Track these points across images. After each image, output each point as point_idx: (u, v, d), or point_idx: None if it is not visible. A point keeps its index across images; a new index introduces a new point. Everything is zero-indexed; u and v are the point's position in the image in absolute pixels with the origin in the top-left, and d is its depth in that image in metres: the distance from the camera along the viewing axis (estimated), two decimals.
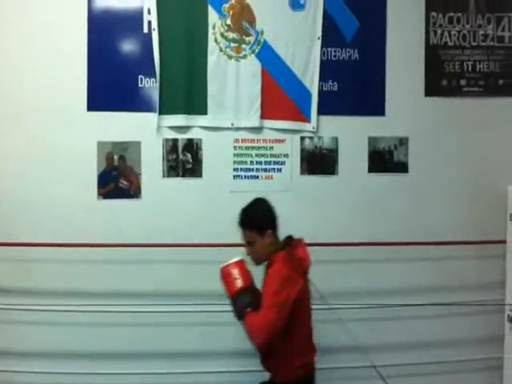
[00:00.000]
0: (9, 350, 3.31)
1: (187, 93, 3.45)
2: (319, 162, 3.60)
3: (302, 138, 3.57)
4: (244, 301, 2.37)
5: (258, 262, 2.51)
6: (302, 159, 3.58)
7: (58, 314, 3.22)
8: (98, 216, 3.34)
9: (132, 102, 3.41)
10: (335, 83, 3.60)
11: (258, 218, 2.53)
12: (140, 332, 3.37)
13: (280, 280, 2.38)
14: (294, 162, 3.57)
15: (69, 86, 3.36)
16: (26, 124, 3.33)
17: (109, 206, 3.37)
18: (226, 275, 2.41)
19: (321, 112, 3.55)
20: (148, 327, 3.35)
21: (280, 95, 3.54)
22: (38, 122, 3.34)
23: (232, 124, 3.51)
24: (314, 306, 3.15)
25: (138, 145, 3.41)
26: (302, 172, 3.58)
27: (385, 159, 3.65)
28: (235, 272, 2.40)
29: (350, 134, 3.59)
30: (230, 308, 2.47)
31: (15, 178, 3.32)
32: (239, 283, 2.38)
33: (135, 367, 3.35)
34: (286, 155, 3.58)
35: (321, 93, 3.55)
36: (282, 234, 3.33)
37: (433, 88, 3.68)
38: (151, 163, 3.43)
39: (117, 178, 3.40)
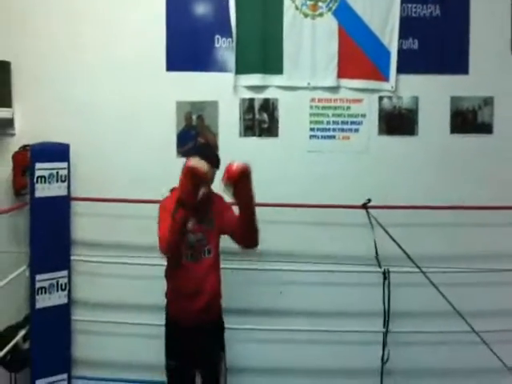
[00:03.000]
0: (95, 301, 3.45)
1: (263, 52, 3.43)
2: (398, 122, 3.48)
3: (381, 98, 3.46)
4: None
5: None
6: (380, 119, 3.47)
7: (138, 267, 3.31)
8: (176, 174, 3.37)
9: (209, 62, 3.44)
10: (415, 41, 3.46)
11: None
12: None
13: None
14: (372, 122, 3.47)
15: (148, 47, 3.41)
16: (107, 85, 3.42)
17: None
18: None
19: (400, 71, 3.43)
20: None
21: (357, 54, 3.44)
22: (119, 83, 3.42)
23: (308, 83, 3.45)
24: (402, 269, 3.23)
25: (215, 104, 3.43)
26: (380, 132, 3.48)
27: (468, 119, 3.48)
28: None
29: (431, 94, 3.45)
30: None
31: (98, 137, 3.42)
32: None
33: None
34: (364, 115, 3.48)
35: (400, 51, 3.42)
36: (361, 196, 3.37)
37: None
38: (228, 123, 3.44)
39: (195, 137, 3.44)
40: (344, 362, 3.47)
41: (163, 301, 2.68)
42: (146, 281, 3.32)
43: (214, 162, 2.58)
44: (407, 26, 3.42)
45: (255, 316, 3.43)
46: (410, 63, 3.44)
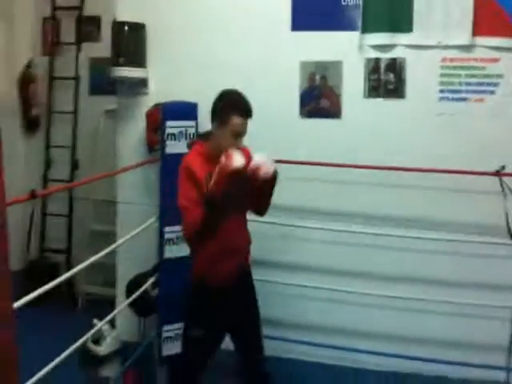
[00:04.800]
0: None
1: (391, 9, 3.27)
2: None
3: None
4: None
5: None
6: None
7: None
8: (300, 134, 3.39)
9: (335, 20, 3.35)
10: None
11: None
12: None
13: None
14: (510, 83, 3.19)
15: (273, 6, 3.40)
16: (233, 44, 3.45)
17: (310, 125, 3.40)
18: None
19: None
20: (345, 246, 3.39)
21: (494, 9, 3.17)
22: (243, 42, 3.44)
23: (439, 42, 3.24)
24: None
25: (339, 64, 3.35)
26: None
27: None
28: None
29: None
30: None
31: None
32: None
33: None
34: (501, 76, 3.21)
35: None
36: (495, 163, 3.13)
37: None
38: (352, 83, 3.35)
39: (318, 97, 3.41)
40: (470, 336, 3.30)
41: None
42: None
43: (251, 113, 2.41)
44: None
45: (377, 280, 3.38)
46: None
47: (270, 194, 2.47)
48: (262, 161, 2.29)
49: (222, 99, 2.41)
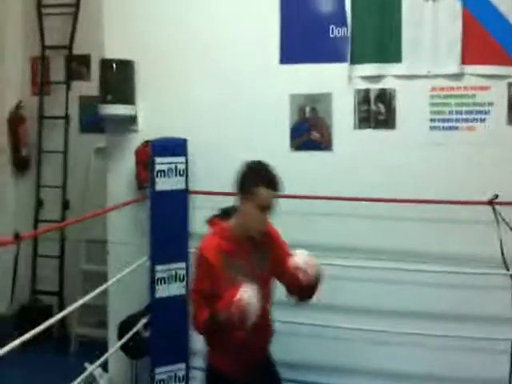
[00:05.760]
0: None
1: (380, 40, 3.28)
2: None
3: (510, 84, 3.16)
4: None
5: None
6: (510, 107, 3.17)
7: None
8: (291, 168, 3.25)
9: (323, 53, 3.34)
10: None
11: None
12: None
13: None
14: (500, 110, 3.18)
15: (262, 40, 3.40)
16: (222, 79, 3.45)
17: (301, 158, 3.37)
18: None
19: None
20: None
21: (483, 37, 3.18)
22: (231, 77, 3.43)
23: (429, 71, 3.24)
24: None
25: (329, 96, 3.34)
26: (510, 122, 3.18)
27: None
28: None
29: None
30: None
31: (214, 131, 3.45)
32: None
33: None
34: (491, 104, 3.20)
35: None
36: (487, 191, 3.10)
37: None
38: (342, 115, 3.33)
39: (308, 130, 3.38)
40: (467, 371, 3.19)
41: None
42: None
43: (279, 186, 2.24)
44: None
45: (368, 316, 3.30)
46: None
47: (308, 296, 2.28)
48: (302, 261, 2.13)
49: (247, 170, 2.26)
